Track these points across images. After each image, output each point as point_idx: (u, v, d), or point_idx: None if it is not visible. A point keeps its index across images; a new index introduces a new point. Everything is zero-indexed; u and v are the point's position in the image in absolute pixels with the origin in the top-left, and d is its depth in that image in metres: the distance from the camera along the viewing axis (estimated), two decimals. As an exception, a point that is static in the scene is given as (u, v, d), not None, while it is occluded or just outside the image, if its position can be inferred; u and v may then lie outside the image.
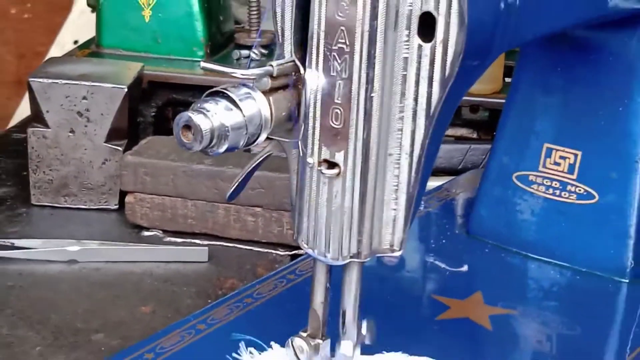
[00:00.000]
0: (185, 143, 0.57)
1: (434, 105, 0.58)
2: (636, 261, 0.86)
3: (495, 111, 1.16)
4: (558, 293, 0.85)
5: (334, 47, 0.58)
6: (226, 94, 0.57)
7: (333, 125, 0.59)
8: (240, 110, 0.57)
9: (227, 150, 0.57)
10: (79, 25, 1.82)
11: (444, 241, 0.93)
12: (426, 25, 0.57)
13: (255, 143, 0.59)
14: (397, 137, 0.59)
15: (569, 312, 0.81)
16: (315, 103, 0.59)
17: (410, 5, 0.56)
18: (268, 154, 0.65)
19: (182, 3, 1.28)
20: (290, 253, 0.97)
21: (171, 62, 1.27)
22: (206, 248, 0.97)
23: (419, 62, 0.57)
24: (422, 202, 0.95)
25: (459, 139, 1.20)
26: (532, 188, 0.90)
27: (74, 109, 1.05)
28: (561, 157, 0.89)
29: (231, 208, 0.99)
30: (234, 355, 0.71)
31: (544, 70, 0.89)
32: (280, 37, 0.61)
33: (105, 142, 1.06)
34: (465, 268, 0.89)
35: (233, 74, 0.58)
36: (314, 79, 0.59)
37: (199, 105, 0.57)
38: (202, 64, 0.59)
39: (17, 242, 0.96)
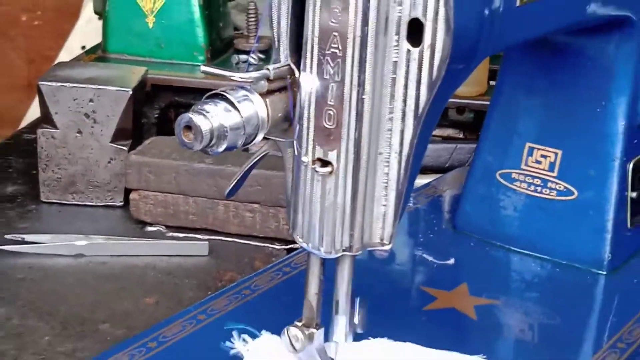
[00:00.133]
0: (186, 143, 0.57)
1: (422, 107, 0.58)
2: (613, 254, 0.86)
3: (480, 112, 1.16)
4: (539, 284, 0.85)
5: (327, 52, 0.58)
6: (225, 96, 0.57)
7: (326, 125, 0.59)
8: (239, 111, 0.57)
9: (226, 149, 0.57)
10: (87, 31, 1.81)
11: (431, 236, 0.93)
12: (414, 31, 0.57)
13: (253, 143, 0.59)
14: (387, 136, 0.59)
15: (549, 303, 0.81)
16: (309, 105, 0.59)
17: (399, 12, 0.57)
18: (265, 153, 0.65)
19: (184, 10, 1.28)
20: (286, 247, 0.97)
21: (173, 66, 1.27)
22: (206, 242, 0.97)
23: (408, 66, 0.57)
24: (411, 199, 0.95)
25: (446, 139, 1.20)
26: (515, 185, 0.90)
27: (81, 110, 1.04)
28: (542, 156, 0.89)
29: (230, 204, 0.99)
30: (227, 343, 0.71)
31: (526, 73, 0.89)
32: (276, 42, 0.61)
33: (110, 142, 1.05)
34: (451, 261, 0.89)
35: (232, 78, 0.58)
36: (309, 82, 0.59)
37: (199, 107, 0.57)
38: (203, 68, 0.59)
39: (28, 237, 0.96)
